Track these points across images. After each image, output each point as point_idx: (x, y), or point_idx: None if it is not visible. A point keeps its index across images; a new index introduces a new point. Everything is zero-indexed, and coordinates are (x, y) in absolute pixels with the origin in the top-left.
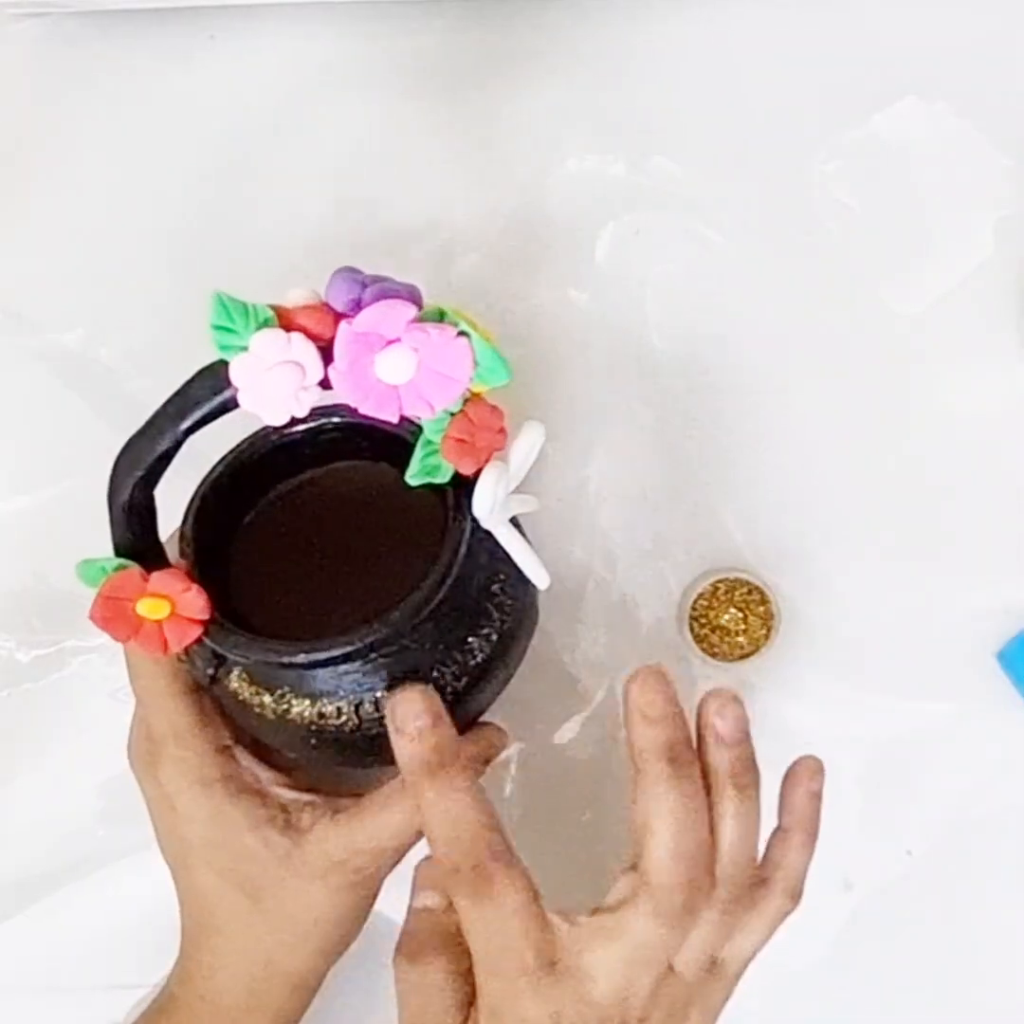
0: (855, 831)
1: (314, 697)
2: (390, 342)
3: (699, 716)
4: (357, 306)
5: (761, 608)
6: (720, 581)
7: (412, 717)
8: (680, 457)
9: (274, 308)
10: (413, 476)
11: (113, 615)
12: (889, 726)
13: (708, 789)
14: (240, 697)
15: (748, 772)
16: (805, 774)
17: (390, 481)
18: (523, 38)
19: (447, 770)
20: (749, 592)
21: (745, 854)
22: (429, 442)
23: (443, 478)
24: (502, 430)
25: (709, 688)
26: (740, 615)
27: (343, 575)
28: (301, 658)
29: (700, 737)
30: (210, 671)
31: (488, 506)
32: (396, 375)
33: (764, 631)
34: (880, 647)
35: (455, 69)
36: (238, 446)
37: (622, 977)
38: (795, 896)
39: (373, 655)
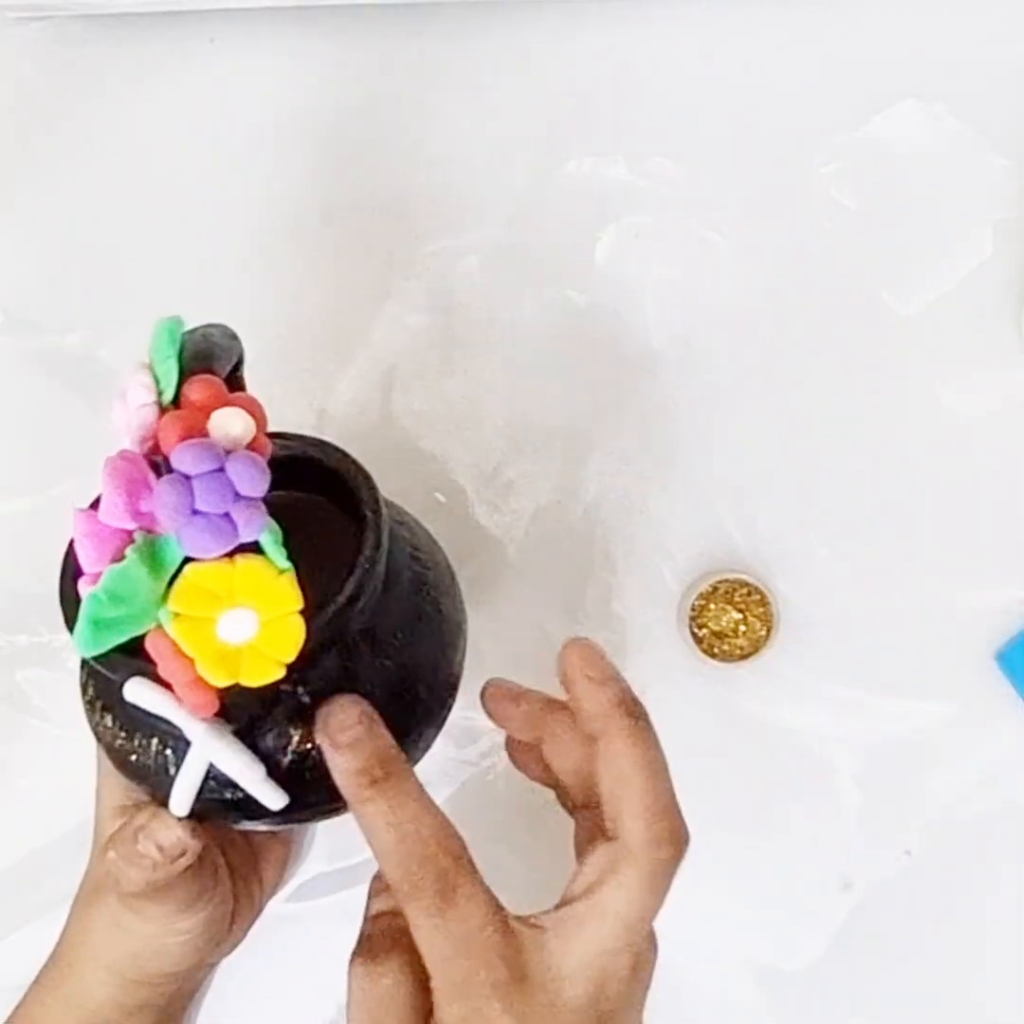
0: (854, 831)
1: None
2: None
3: (564, 667)
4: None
5: (760, 609)
6: (719, 582)
7: (347, 725)
8: (680, 457)
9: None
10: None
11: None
12: (888, 726)
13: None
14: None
15: (637, 703)
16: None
17: (308, 512)
18: (523, 40)
19: (393, 778)
20: (749, 593)
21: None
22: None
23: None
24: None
25: (708, 689)
26: (739, 616)
27: None
28: None
29: (571, 685)
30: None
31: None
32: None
33: (763, 632)
34: (879, 647)
35: (455, 72)
36: None
37: (597, 968)
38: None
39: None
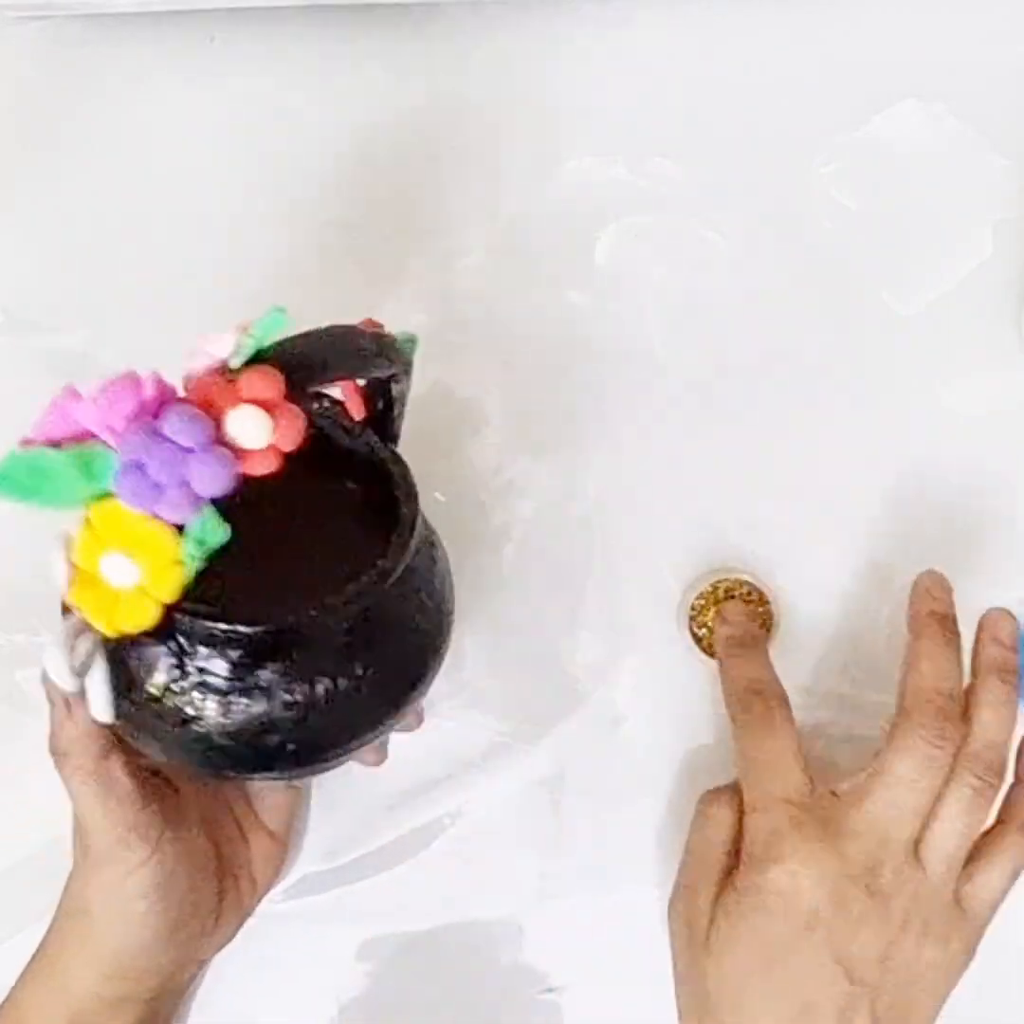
0: None
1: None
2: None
3: (979, 627)
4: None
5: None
6: (719, 581)
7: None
8: (680, 458)
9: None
10: None
11: None
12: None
13: (974, 686)
14: (162, 707)
15: (1013, 671)
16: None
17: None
18: (522, 40)
19: (755, 644)
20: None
21: (998, 738)
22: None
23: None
24: None
25: (708, 688)
26: None
27: (274, 565)
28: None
29: (977, 641)
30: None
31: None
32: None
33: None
34: (878, 646)
35: (455, 72)
36: None
37: (878, 832)
38: None
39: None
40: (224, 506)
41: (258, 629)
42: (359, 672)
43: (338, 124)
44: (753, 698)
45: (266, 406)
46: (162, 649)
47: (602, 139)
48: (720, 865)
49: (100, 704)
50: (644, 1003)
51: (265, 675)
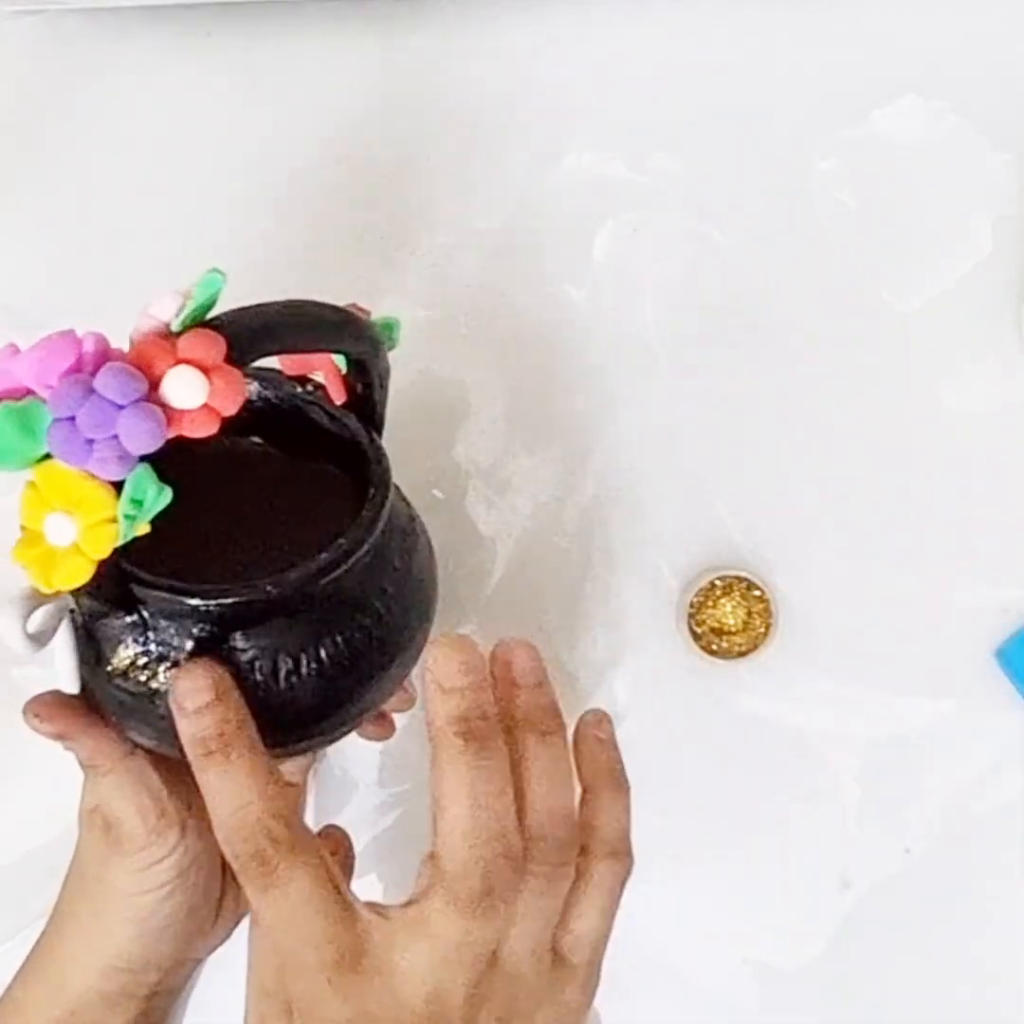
0: (853, 829)
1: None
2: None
3: (491, 668)
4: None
5: (759, 606)
6: (718, 579)
7: (194, 693)
8: (678, 454)
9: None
10: None
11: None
12: (887, 724)
13: (511, 747)
14: (127, 682)
15: (549, 717)
16: (591, 725)
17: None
18: (521, 35)
19: (228, 750)
20: (747, 589)
21: (556, 808)
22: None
23: None
24: None
25: (707, 686)
26: (738, 613)
27: (244, 544)
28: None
29: (497, 692)
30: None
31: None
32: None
33: (762, 629)
34: (878, 645)
35: (453, 67)
36: None
37: (432, 977)
38: (620, 855)
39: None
40: (198, 482)
41: (216, 603)
42: (326, 651)
43: (335, 118)
44: (245, 842)
45: (203, 368)
46: (126, 622)
47: (601, 134)
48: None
49: (64, 673)
50: (643, 1002)
51: (228, 651)
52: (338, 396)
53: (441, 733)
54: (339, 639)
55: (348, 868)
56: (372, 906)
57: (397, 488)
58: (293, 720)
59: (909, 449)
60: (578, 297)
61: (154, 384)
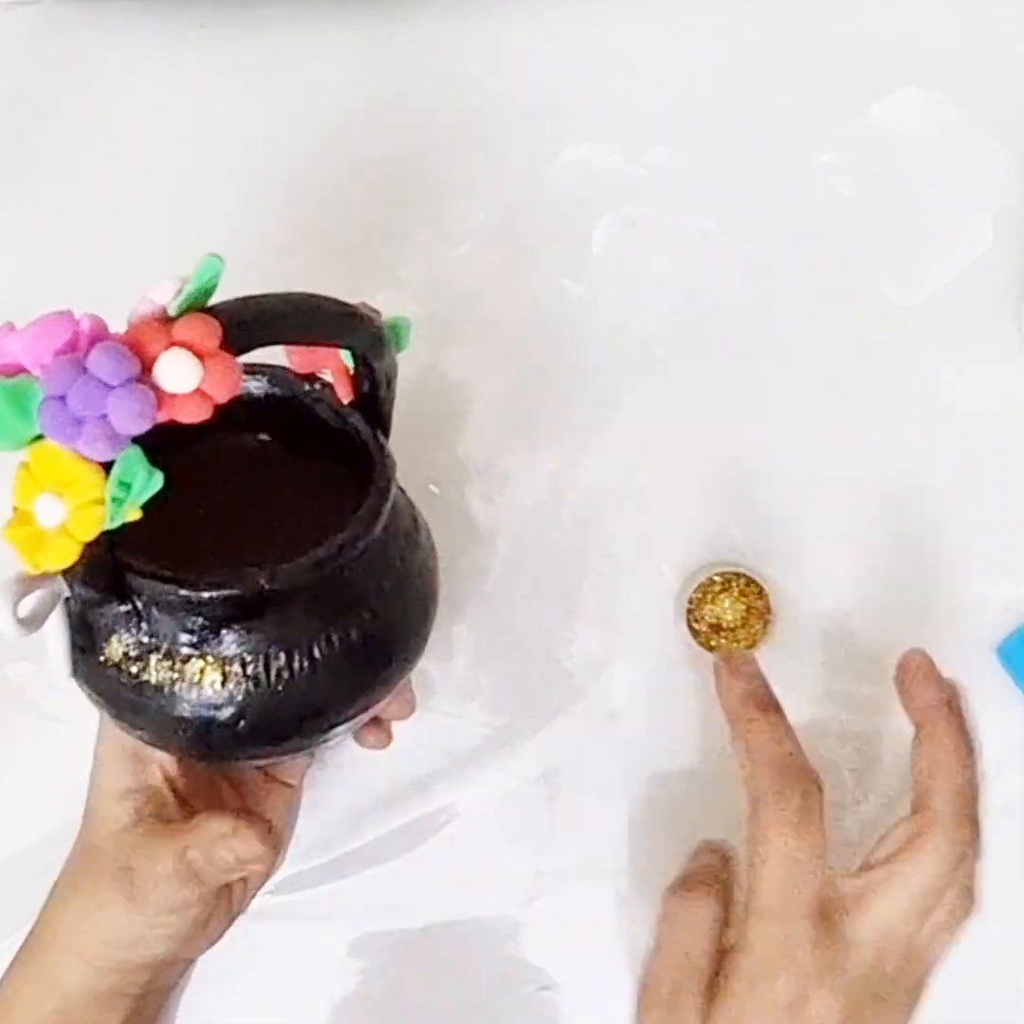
0: (852, 826)
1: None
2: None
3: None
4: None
5: (759, 602)
6: (717, 575)
7: (747, 659)
8: (677, 449)
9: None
10: None
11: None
12: (887, 720)
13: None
14: (120, 673)
15: (957, 698)
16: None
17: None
18: (519, 29)
19: (776, 708)
20: (746, 585)
21: (967, 785)
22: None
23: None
24: None
25: (706, 682)
26: (738, 609)
27: (245, 539)
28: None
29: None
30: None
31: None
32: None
33: (761, 625)
34: (878, 641)
35: (451, 59)
36: None
37: (886, 937)
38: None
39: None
40: (201, 476)
41: (208, 594)
42: (320, 648)
43: (331, 110)
44: (789, 786)
45: (197, 352)
46: (119, 612)
47: (599, 127)
48: (705, 972)
49: (56, 657)
50: None
51: (223, 645)
52: (345, 395)
53: (936, 715)
54: (334, 637)
55: None
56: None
57: (402, 490)
58: (286, 718)
59: (909, 443)
60: (576, 291)
61: (147, 366)
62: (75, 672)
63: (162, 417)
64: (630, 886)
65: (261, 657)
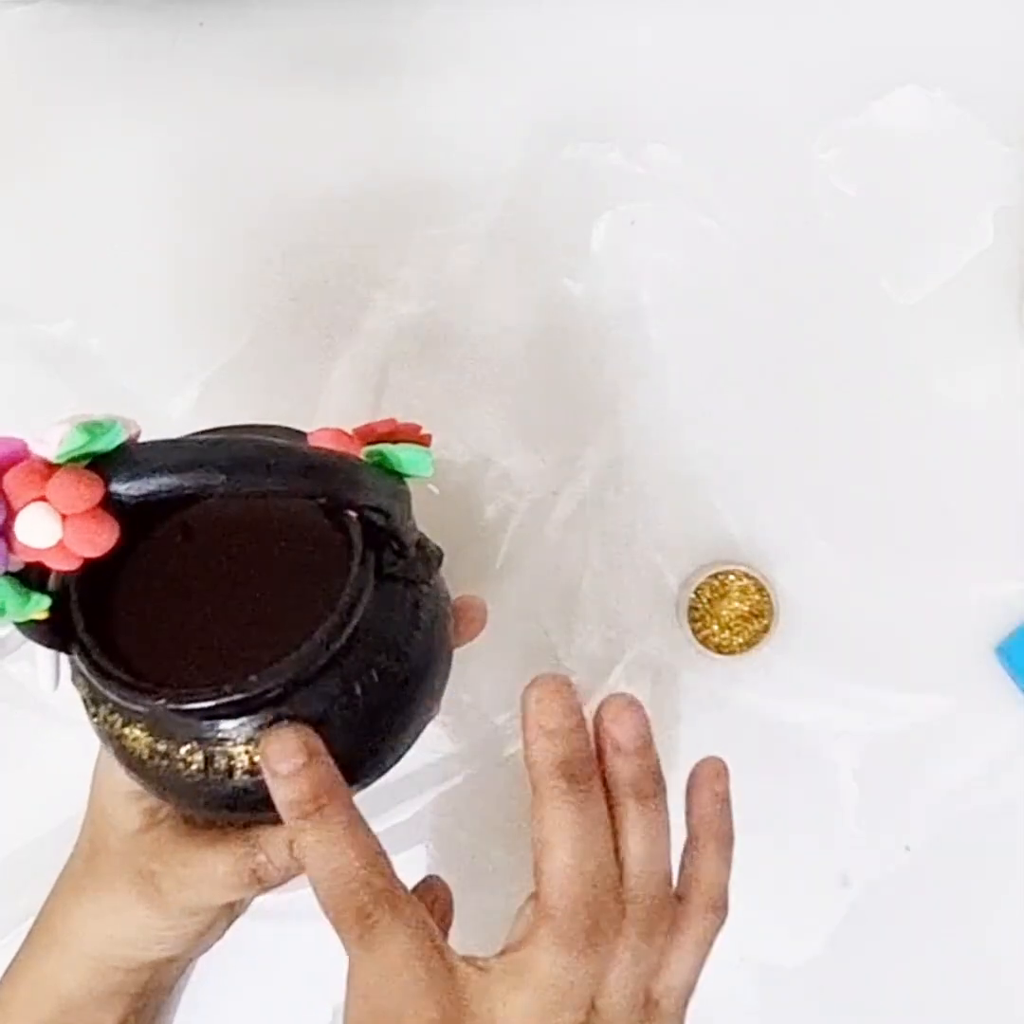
0: (852, 826)
1: (206, 743)
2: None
3: (595, 724)
4: None
5: (760, 601)
6: (718, 574)
7: (286, 756)
8: (678, 447)
9: None
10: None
11: None
12: (887, 720)
13: (610, 805)
14: (137, 753)
15: (650, 781)
16: (709, 775)
17: (275, 517)
18: (518, 25)
19: (324, 810)
20: (747, 585)
21: (655, 871)
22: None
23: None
24: None
25: (706, 682)
26: (738, 608)
27: (233, 618)
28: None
29: (598, 746)
30: (110, 722)
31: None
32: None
33: (762, 624)
34: (878, 641)
35: (449, 57)
36: None
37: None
38: (718, 908)
39: (270, 699)
40: (187, 545)
41: (164, 707)
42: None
43: (329, 110)
44: (344, 901)
45: (63, 510)
46: (82, 680)
47: (598, 125)
48: None
49: (43, 673)
50: None
51: (216, 732)
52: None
53: (543, 777)
54: (335, 711)
55: (446, 922)
56: (469, 960)
57: (422, 545)
58: (243, 810)
59: (909, 442)
60: (576, 289)
61: (12, 514)
62: (58, 686)
63: (28, 560)
64: None
65: (214, 757)
